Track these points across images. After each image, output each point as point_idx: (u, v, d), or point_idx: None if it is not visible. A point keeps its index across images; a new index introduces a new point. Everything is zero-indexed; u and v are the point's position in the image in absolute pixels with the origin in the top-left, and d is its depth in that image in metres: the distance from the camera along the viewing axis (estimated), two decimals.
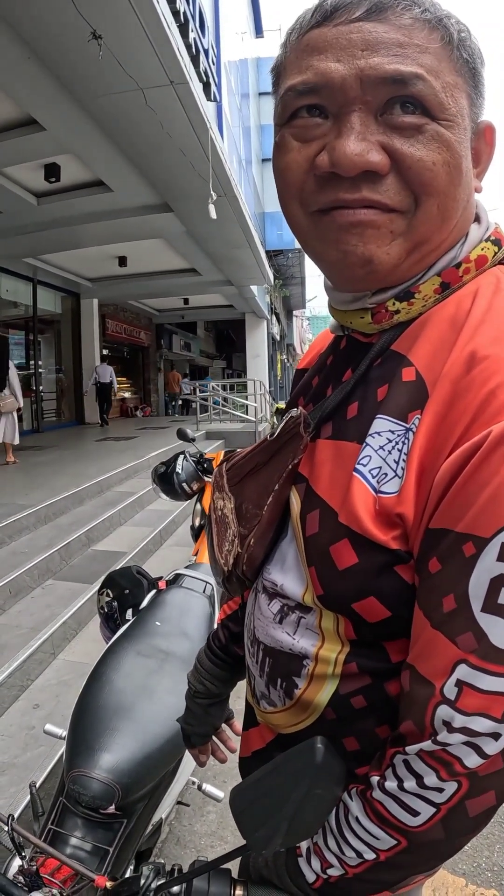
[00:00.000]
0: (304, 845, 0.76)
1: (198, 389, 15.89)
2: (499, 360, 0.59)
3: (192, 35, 6.13)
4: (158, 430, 13.68)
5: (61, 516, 6.12)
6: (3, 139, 6.42)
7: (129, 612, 2.20)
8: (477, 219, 0.77)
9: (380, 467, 0.67)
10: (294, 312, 36.02)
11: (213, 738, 1.25)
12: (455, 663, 0.59)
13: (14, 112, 5.99)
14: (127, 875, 1.32)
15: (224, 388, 18.33)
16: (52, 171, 7.31)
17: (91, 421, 15.48)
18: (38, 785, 2.42)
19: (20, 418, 8.88)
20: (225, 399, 16.52)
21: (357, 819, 0.69)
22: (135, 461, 8.65)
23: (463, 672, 0.59)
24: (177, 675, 1.65)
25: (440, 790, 0.61)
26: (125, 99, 5.54)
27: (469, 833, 0.65)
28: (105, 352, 16.95)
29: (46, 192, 8.28)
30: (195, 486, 3.52)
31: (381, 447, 0.68)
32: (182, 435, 3.91)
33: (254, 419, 14.32)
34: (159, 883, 0.77)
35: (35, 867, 1.03)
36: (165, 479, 3.53)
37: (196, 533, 3.68)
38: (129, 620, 2.07)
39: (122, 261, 12.08)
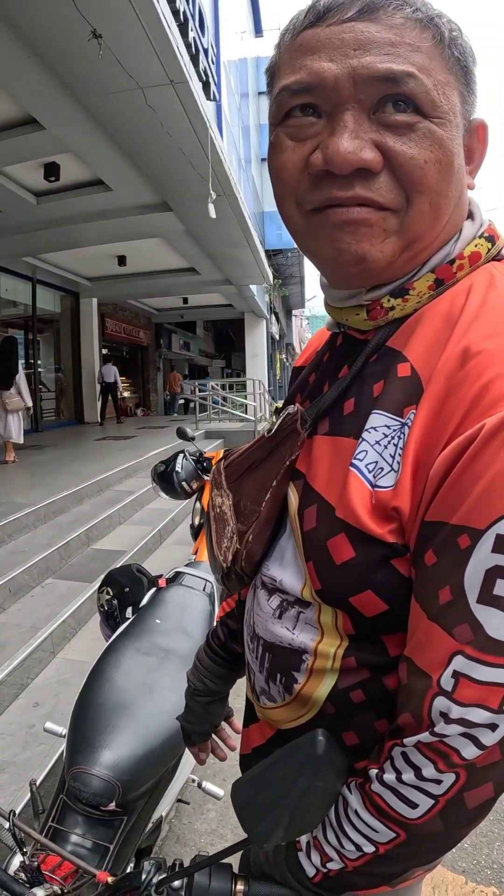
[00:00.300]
0: (303, 839, 0.76)
1: (197, 389, 15.87)
2: (492, 355, 0.60)
3: (191, 34, 6.13)
4: (158, 429, 13.68)
5: (61, 515, 6.12)
6: (3, 138, 6.41)
7: (129, 610, 2.21)
8: (470, 215, 0.77)
9: (376, 462, 0.68)
10: (293, 312, 36.05)
11: (213, 736, 1.25)
12: (451, 655, 0.60)
13: (14, 111, 5.99)
14: (135, 869, 1.32)
15: (223, 387, 18.32)
16: (51, 171, 7.30)
17: (90, 420, 15.51)
18: (38, 783, 2.43)
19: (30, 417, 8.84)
20: (224, 398, 16.52)
21: (356, 812, 0.69)
22: (134, 460, 8.66)
23: (459, 663, 0.59)
24: (177, 673, 1.66)
25: (438, 782, 0.62)
26: (125, 98, 5.54)
27: (468, 825, 0.65)
28: (104, 351, 16.98)
29: (46, 192, 8.27)
30: (194, 485, 3.53)
31: (377, 442, 0.68)
32: (181, 434, 3.92)
33: (253, 418, 14.34)
34: (160, 878, 0.78)
35: (36, 863, 1.03)
36: (165, 477, 3.54)
37: (195, 531, 3.68)
38: (129, 618, 2.07)
39: (122, 260, 12.07)
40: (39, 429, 12.96)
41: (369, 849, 0.68)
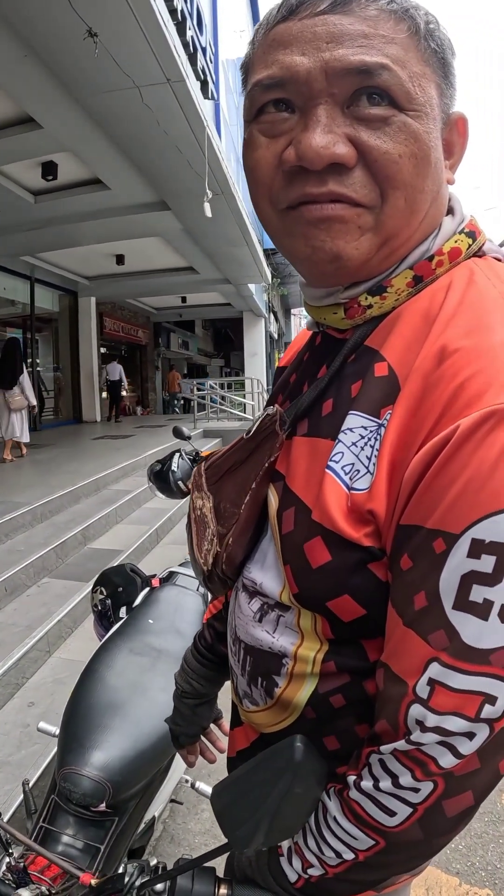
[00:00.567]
0: (285, 844, 0.76)
1: (194, 388, 15.88)
2: (468, 354, 0.59)
3: (189, 33, 6.14)
4: (156, 428, 13.68)
5: (57, 514, 6.12)
6: (0, 137, 6.40)
7: (123, 609, 2.21)
8: (451, 211, 0.76)
9: (352, 464, 0.66)
10: (292, 311, 35.99)
11: (202, 737, 1.25)
12: (427, 661, 0.58)
13: (11, 110, 5.97)
14: (119, 872, 1.33)
15: (222, 386, 18.32)
16: (49, 170, 7.28)
17: (89, 419, 15.49)
18: (31, 783, 2.42)
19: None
20: (223, 397, 16.51)
21: (335, 819, 0.68)
22: (131, 459, 8.66)
23: (435, 671, 0.58)
24: (169, 673, 1.65)
25: (416, 790, 0.61)
26: (122, 97, 5.52)
27: (448, 833, 0.64)
28: (103, 350, 17.03)
29: (44, 191, 8.25)
30: (190, 485, 3.52)
31: (354, 443, 0.67)
32: (178, 433, 3.91)
33: (251, 417, 14.30)
34: (143, 880, 0.78)
35: (23, 864, 1.03)
36: (161, 477, 3.53)
37: None
38: (122, 618, 2.07)
39: (120, 259, 12.06)
40: (37, 428, 12.94)
41: (349, 856, 0.67)
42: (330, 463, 0.68)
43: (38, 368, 13.75)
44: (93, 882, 0.86)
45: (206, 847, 2.35)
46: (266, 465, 0.79)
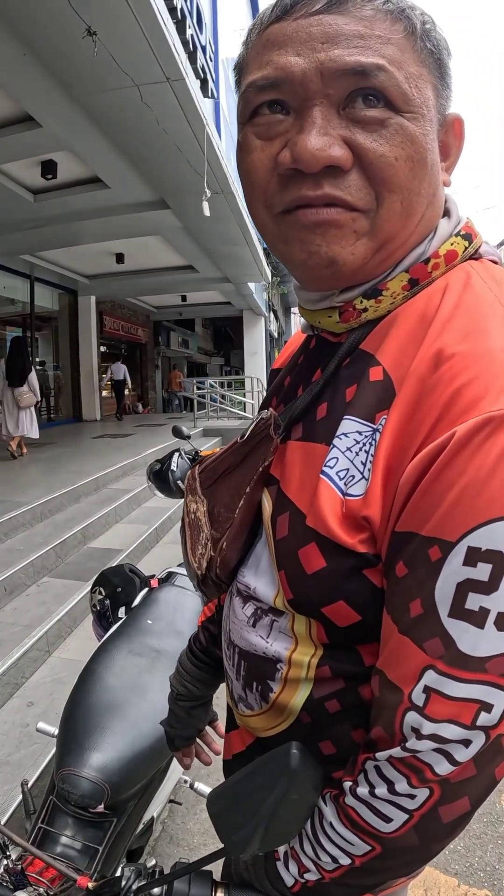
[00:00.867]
0: (281, 849, 0.75)
1: (194, 387, 15.89)
2: (465, 358, 0.58)
3: (189, 31, 6.13)
4: (156, 427, 13.67)
5: (57, 513, 6.12)
6: (0, 136, 6.40)
7: (122, 610, 2.21)
8: (447, 213, 0.75)
9: (347, 469, 0.66)
10: (292, 309, 35.86)
11: (197, 740, 1.24)
12: (422, 669, 0.58)
13: (10, 109, 5.96)
14: (117, 874, 1.32)
15: (222, 385, 18.30)
16: (48, 168, 7.28)
17: (89, 418, 15.49)
18: (30, 783, 2.42)
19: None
20: (222, 396, 16.51)
21: (331, 824, 0.68)
22: (131, 458, 8.66)
23: (430, 678, 0.58)
24: (168, 674, 1.64)
25: (412, 797, 0.61)
26: (121, 96, 5.51)
27: (444, 839, 0.64)
28: (103, 349, 17.05)
29: (43, 189, 8.24)
30: (184, 488, 3.50)
31: (349, 448, 0.66)
32: (177, 432, 3.90)
33: (251, 416, 14.27)
34: (140, 884, 0.77)
35: (21, 866, 1.03)
36: (160, 476, 3.52)
37: None
38: (121, 618, 2.07)
39: (120, 258, 12.06)
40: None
41: (345, 861, 0.67)
42: (324, 468, 0.68)
43: (38, 367, 13.75)
44: (90, 885, 0.86)
45: (205, 847, 2.35)
46: (260, 469, 0.78)
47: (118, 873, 0.82)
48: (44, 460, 8.73)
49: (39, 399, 9.42)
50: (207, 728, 1.26)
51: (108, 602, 2.26)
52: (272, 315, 23.46)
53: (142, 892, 0.76)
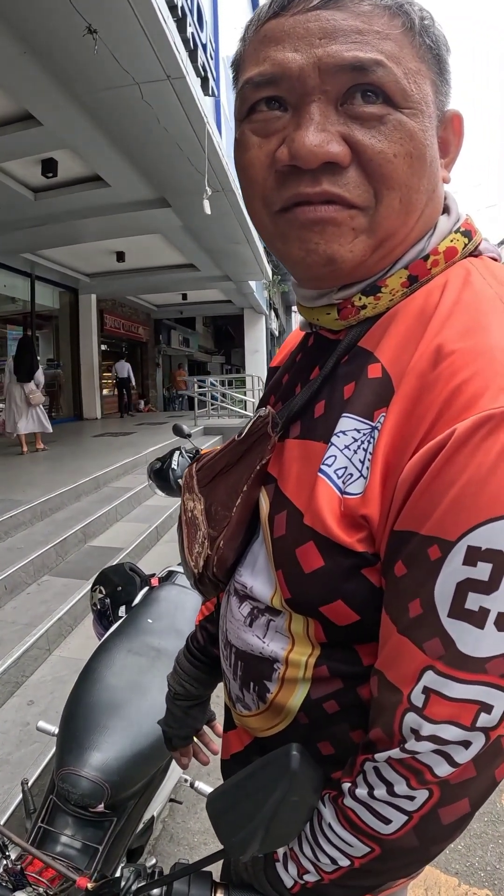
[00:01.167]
0: (280, 850, 0.75)
1: (195, 385, 15.90)
2: (465, 356, 0.57)
3: (189, 30, 6.10)
4: (156, 425, 13.67)
5: (58, 512, 6.12)
6: (0, 134, 6.39)
7: (122, 608, 2.20)
8: (446, 210, 0.75)
9: (345, 467, 0.65)
10: (293, 308, 35.90)
11: (195, 739, 1.24)
12: (422, 670, 0.58)
13: (10, 107, 5.96)
14: (117, 874, 1.32)
15: (223, 383, 18.31)
16: (49, 167, 7.28)
17: (89, 416, 15.50)
18: (30, 782, 2.42)
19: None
20: (223, 395, 16.51)
21: (330, 825, 0.68)
22: (132, 457, 8.66)
23: (430, 679, 0.58)
24: (168, 673, 1.65)
25: (411, 798, 0.60)
26: (121, 94, 5.51)
27: (444, 841, 0.64)
28: (103, 347, 17.07)
29: (43, 188, 8.25)
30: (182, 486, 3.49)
31: (347, 446, 0.66)
32: (178, 431, 3.90)
33: (252, 415, 14.26)
34: (139, 885, 0.77)
35: (20, 866, 1.03)
36: (161, 474, 3.52)
37: None
38: (121, 617, 2.07)
39: (120, 256, 12.06)
40: None
41: (344, 862, 0.67)
42: (322, 466, 0.67)
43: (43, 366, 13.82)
44: (89, 886, 0.86)
45: (205, 846, 2.35)
46: (258, 467, 0.78)
47: (118, 873, 0.82)
48: (44, 459, 8.75)
49: (46, 397, 9.76)
50: (205, 728, 1.26)
51: (108, 601, 2.26)
52: (273, 313, 23.48)
53: (141, 893, 0.76)
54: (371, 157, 0.62)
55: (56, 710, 3.03)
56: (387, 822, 0.62)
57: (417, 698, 0.58)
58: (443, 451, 0.55)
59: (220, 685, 1.07)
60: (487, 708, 0.56)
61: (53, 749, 2.51)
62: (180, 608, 2.06)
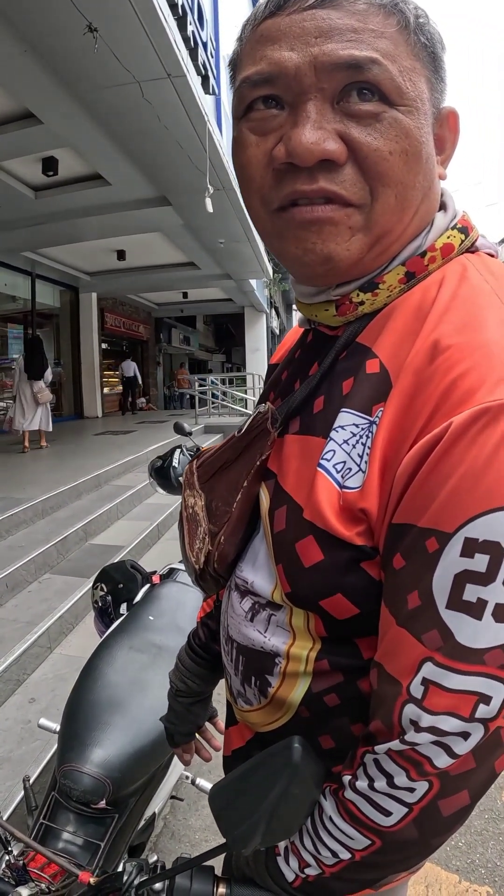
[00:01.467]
0: (281, 844, 0.75)
1: (196, 383, 15.90)
2: (462, 350, 0.58)
3: (190, 28, 6.09)
4: (157, 423, 13.68)
5: (59, 510, 6.13)
6: (1, 133, 6.38)
7: (124, 606, 2.21)
8: (443, 207, 0.75)
9: (344, 462, 0.66)
10: (293, 306, 35.93)
11: (197, 736, 1.25)
12: (421, 661, 0.58)
13: (11, 105, 5.96)
14: (119, 870, 1.33)
15: (223, 381, 18.32)
16: (49, 165, 7.27)
17: (90, 415, 15.51)
18: (32, 779, 2.43)
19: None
20: (224, 393, 16.50)
21: (331, 818, 0.68)
22: (133, 455, 8.66)
23: (429, 670, 0.58)
24: (170, 670, 1.65)
25: (411, 790, 0.61)
26: (122, 92, 5.50)
27: (444, 833, 0.64)
28: (104, 346, 17.07)
29: (44, 186, 8.24)
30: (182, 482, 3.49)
31: (346, 441, 0.66)
32: (179, 429, 3.89)
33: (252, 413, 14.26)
34: (142, 879, 0.78)
35: (22, 862, 1.03)
36: (162, 473, 3.51)
37: None
38: (123, 615, 2.07)
39: (121, 254, 12.05)
40: None
41: (345, 855, 0.67)
42: (321, 461, 0.68)
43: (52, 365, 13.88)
44: (91, 881, 0.86)
45: (206, 843, 2.36)
46: (258, 463, 0.78)
47: (120, 868, 0.82)
48: (45, 457, 8.77)
49: (53, 395, 10.09)
50: (207, 724, 1.26)
51: (109, 598, 2.27)
52: (274, 311, 23.48)
53: (144, 888, 0.76)
54: (367, 154, 0.63)
55: (57, 708, 3.04)
56: (387, 814, 0.63)
57: (417, 690, 0.59)
58: (440, 445, 0.55)
59: (222, 682, 1.07)
60: (486, 699, 0.57)
61: (55, 746, 2.52)
62: (181, 605, 2.06)
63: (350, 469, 0.65)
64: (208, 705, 1.22)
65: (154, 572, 2.35)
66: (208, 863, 0.75)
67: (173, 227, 9.86)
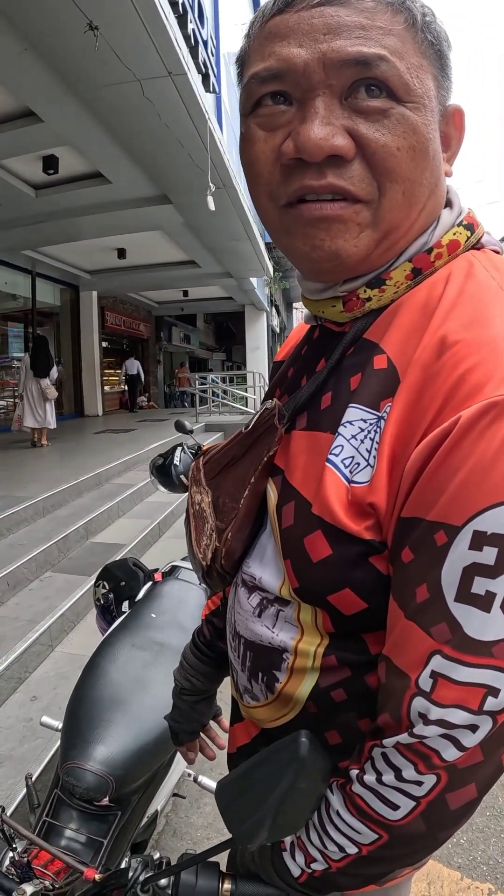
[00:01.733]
0: (287, 840, 0.75)
1: (196, 382, 15.91)
2: (469, 345, 0.58)
3: (190, 26, 6.10)
4: (158, 422, 13.67)
5: (60, 508, 6.13)
6: (1, 131, 6.38)
7: (126, 604, 2.21)
8: (449, 203, 0.76)
9: (352, 457, 0.66)
10: (294, 304, 35.87)
11: (202, 734, 1.25)
12: (429, 654, 0.58)
13: (11, 104, 5.96)
14: (122, 867, 1.33)
15: (224, 380, 18.32)
16: (50, 163, 7.27)
17: (90, 413, 15.50)
18: (34, 777, 2.43)
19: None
20: (224, 391, 16.49)
21: (338, 813, 0.68)
22: (134, 453, 8.67)
23: (437, 663, 0.58)
24: (171, 668, 1.64)
25: (419, 783, 0.61)
26: (122, 90, 5.50)
27: (451, 826, 0.64)
28: (105, 344, 17.07)
29: (45, 184, 8.24)
30: (189, 479, 3.50)
31: (354, 436, 0.67)
32: (180, 427, 3.89)
33: (253, 411, 14.23)
34: (147, 875, 0.78)
35: (26, 859, 1.03)
36: (163, 471, 3.51)
37: None
38: (125, 612, 2.07)
39: (121, 253, 12.04)
40: None
41: (352, 850, 0.67)
42: (330, 456, 0.68)
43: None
44: (96, 877, 0.86)
45: (208, 840, 2.36)
46: (265, 459, 0.78)
47: (124, 865, 0.82)
48: (46, 455, 8.77)
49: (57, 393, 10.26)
50: (211, 723, 1.26)
51: (111, 596, 2.27)
52: (274, 310, 23.47)
53: (149, 884, 0.77)
54: (375, 150, 0.63)
55: (59, 706, 3.04)
56: (395, 807, 0.63)
57: (425, 682, 0.59)
58: (448, 439, 0.56)
59: (226, 679, 1.08)
60: (494, 691, 0.57)
61: (57, 744, 2.52)
62: (183, 603, 2.06)
63: (358, 464, 0.65)
64: (213, 703, 1.22)
65: (156, 570, 2.35)
66: (213, 859, 0.75)
67: (174, 225, 9.86)
